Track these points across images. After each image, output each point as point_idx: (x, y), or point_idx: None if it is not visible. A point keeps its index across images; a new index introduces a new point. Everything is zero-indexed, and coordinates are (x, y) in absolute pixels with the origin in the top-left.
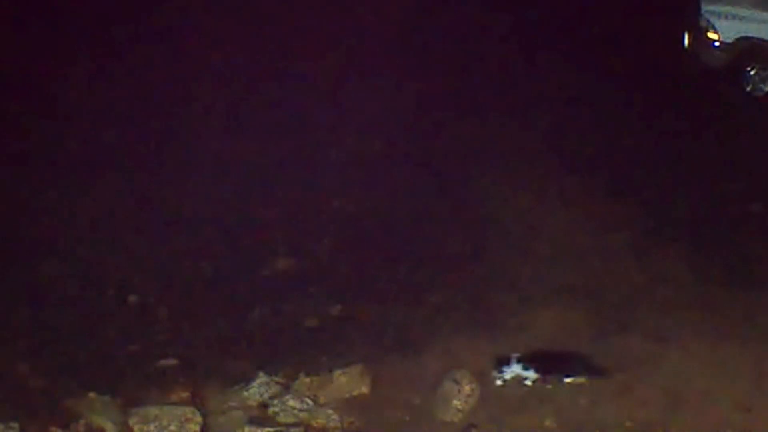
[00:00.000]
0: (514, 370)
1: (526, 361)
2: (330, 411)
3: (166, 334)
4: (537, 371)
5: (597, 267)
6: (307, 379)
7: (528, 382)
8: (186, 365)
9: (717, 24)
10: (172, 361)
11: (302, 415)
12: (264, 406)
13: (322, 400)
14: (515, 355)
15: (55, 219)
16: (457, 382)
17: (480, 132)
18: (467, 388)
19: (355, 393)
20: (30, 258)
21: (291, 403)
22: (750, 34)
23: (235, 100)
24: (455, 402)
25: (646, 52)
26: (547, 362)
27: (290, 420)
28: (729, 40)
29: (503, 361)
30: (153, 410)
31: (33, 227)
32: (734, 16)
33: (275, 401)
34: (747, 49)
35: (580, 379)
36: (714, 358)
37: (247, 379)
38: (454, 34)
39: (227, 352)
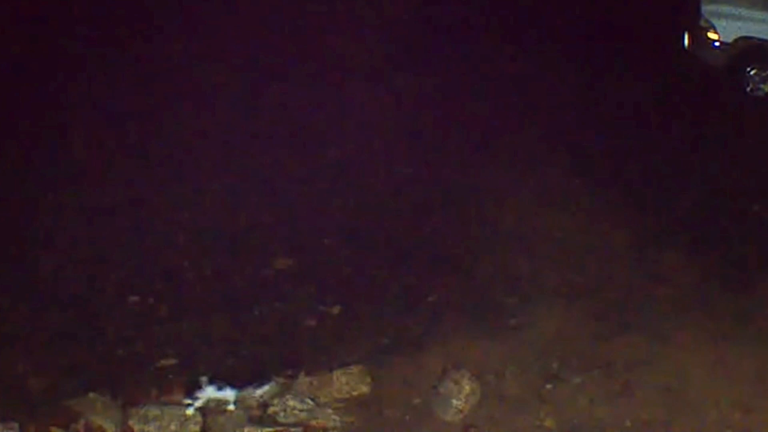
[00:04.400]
0: (207, 394)
1: (220, 381)
2: (330, 411)
3: (166, 334)
4: (234, 388)
5: (597, 267)
6: (307, 379)
7: (230, 407)
8: (186, 365)
9: (717, 24)
10: (172, 361)
11: (302, 415)
12: (264, 406)
13: (322, 400)
14: (204, 377)
15: (55, 219)
16: (457, 382)
17: (480, 132)
18: (467, 388)
19: (355, 393)
20: (30, 258)
21: (291, 403)
22: (750, 34)
23: (234, 101)
24: (455, 402)
25: (646, 52)
26: (242, 378)
27: (290, 420)
28: (729, 40)
29: (194, 386)
30: (153, 410)
31: (33, 227)
32: (734, 16)
33: (275, 401)
34: (747, 49)
35: (280, 380)
36: (714, 358)
37: (247, 379)
38: (454, 33)
39: (227, 352)
